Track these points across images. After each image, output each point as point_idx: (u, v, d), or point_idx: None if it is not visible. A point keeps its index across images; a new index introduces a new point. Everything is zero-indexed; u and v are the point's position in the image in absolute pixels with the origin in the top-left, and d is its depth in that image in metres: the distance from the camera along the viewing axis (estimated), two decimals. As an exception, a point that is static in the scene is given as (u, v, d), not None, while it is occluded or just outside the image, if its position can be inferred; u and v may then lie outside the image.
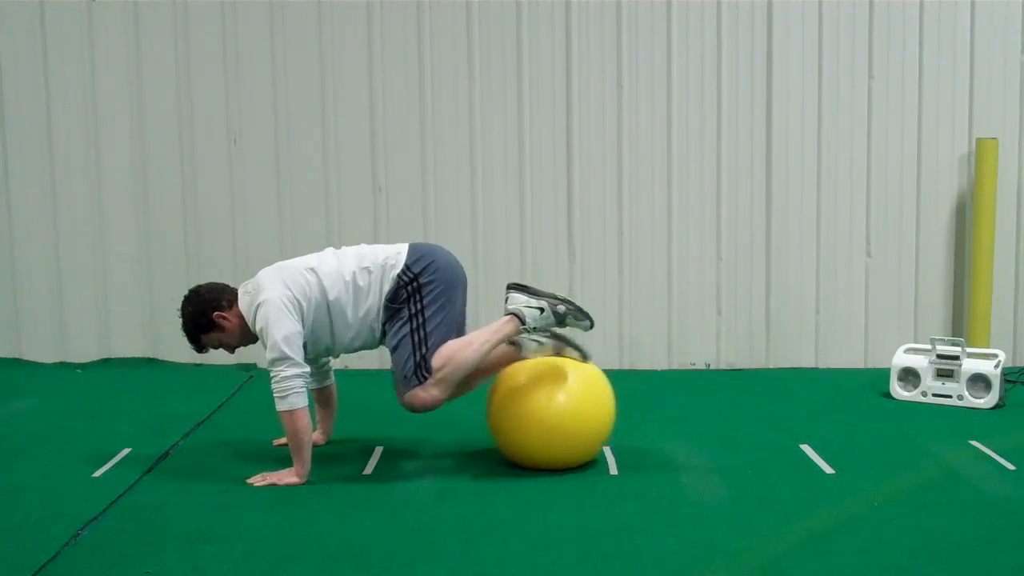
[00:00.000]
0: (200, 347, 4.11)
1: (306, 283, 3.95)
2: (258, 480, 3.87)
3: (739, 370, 5.74)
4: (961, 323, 5.65)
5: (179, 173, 5.73)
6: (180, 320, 4.07)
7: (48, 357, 5.86)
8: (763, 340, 5.75)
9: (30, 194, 5.77)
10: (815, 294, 5.72)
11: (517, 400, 3.94)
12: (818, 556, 3.18)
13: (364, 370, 5.62)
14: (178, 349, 5.32)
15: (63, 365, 5.83)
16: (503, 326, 3.96)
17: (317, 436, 4.30)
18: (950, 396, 4.91)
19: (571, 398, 3.93)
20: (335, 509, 3.62)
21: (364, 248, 4.12)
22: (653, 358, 5.72)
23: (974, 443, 4.30)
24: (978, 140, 5.51)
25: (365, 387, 5.23)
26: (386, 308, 4.01)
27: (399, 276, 3.99)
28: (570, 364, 4.02)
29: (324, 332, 4.01)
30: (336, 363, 4.42)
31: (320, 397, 4.37)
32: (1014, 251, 5.67)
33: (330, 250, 4.15)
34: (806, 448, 4.26)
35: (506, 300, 4.01)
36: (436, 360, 3.93)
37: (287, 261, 4.11)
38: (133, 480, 3.92)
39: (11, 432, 4.59)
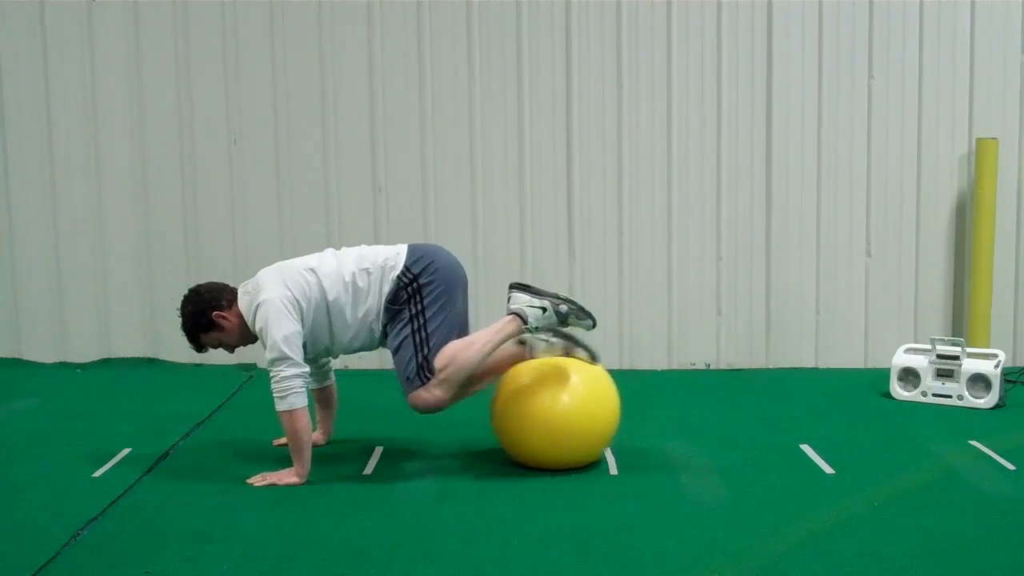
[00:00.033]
0: (200, 347, 4.11)
1: (306, 283, 3.95)
2: (258, 480, 3.87)
3: (739, 370, 5.74)
4: (961, 323, 5.65)
5: (179, 173, 5.73)
6: (180, 320, 4.07)
7: (48, 357, 5.86)
8: (763, 340, 5.75)
9: (30, 194, 5.77)
10: (815, 294, 5.72)
11: (522, 400, 3.94)
12: (818, 556, 3.19)
13: (364, 370, 5.62)
14: (178, 349, 5.32)
15: (63, 365, 5.83)
16: (505, 326, 3.97)
17: (317, 436, 4.30)
18: (950, 396, 4.91)
19: (576, 399, 3.93)
20: (335, 509, 3.62)
21: (364, 249, 4.12)
22: (653, 358, 5.73)
23: (974, 443, 4.30)
24: (978, 140, 5.51)
25: (365, 387, 5.24)
26: (387, 310, 4.01)
27: (399, 277, 3.99)
28: (576, 365, 4.02)
29: (323, 332, 4.01)
30: (336, 363, 4.42)
31: (320, 397, 4.38)
32: (1014, 251, 5.67)
33: (330, 251, 4.15)
34: (806, 448, 4.26)
35: (508, 300, 4.02)
36: (439, 361, 3.93)
37: (287, 261, 4.11)
38: (133, 480, 3.92)
39: (11, 432, 4.59)
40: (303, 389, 3.84)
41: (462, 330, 4.08)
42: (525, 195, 5.69)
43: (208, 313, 4.02)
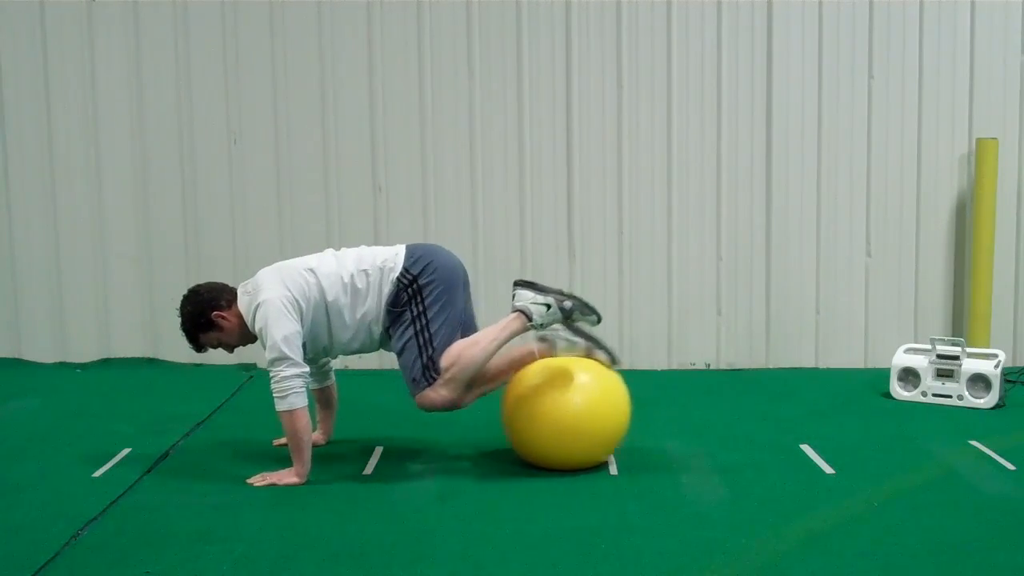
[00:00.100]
0: (199, 347, 4.11)
1: (305, 283, 3.95)
2: (258, 480, 3.87)
3: (739, 370, 5.74)
4: (961, 323, 5.66)
5: (179, 173, 5.74)
6: (179, 320, 4.07)
7: (48, 357, 5.86)
8: (763, 340, 5.75)
9: (30, 194, 5.77)
10: (815, 294, 5.73)
11: (532, 399, 3.93)
12: (818, 556, 3.18)
13: (364, 370, 5.62)
14: (178, 349, 5.32)
15: (63, 365, 5.83)
16: (510, 323, 3.97)
17: (317, 436, 4.30)
18: (950, 396, 4.91)
19: (587, 400, 3.93)
20: (335, 509, 3.62)
21: (363, 250, 4.12)
22: (653, 358, 5.72)
23: (974, 443, 4.30)
24: (978, 140, 5.51)
25: (365, 387, 5.24)
26: (388, 312, 4.01)
27: (398, 279, 3.99)
28: (587, 365, 4.01)
29: (322, 332, 4.01)
30: (336, 363, 4.42)
31: (320, 397, 4.38)
32: (1014, 251, 5.67)
33: (330, 251, 4.15)
34: (806, 448, 4.26)
35: (513, 297, 4.02)
36: (444, 360, 3.94)
37: (286, 261, 4.11)
38: (133, 480, 3.92)
39: (11, 432, 4.59)
40: (303, 389, 3.84)
41: (466, 327, 4.08)
42: (525, 195, 5.69)
43: (207, 313, 4.02)
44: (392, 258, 4.04)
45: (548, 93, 5.65)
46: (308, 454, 3.88)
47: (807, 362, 5.75)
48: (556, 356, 4.06)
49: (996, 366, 4.86)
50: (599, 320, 4.06)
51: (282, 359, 3.82)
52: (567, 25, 5.61)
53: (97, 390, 5.35)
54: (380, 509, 3.62)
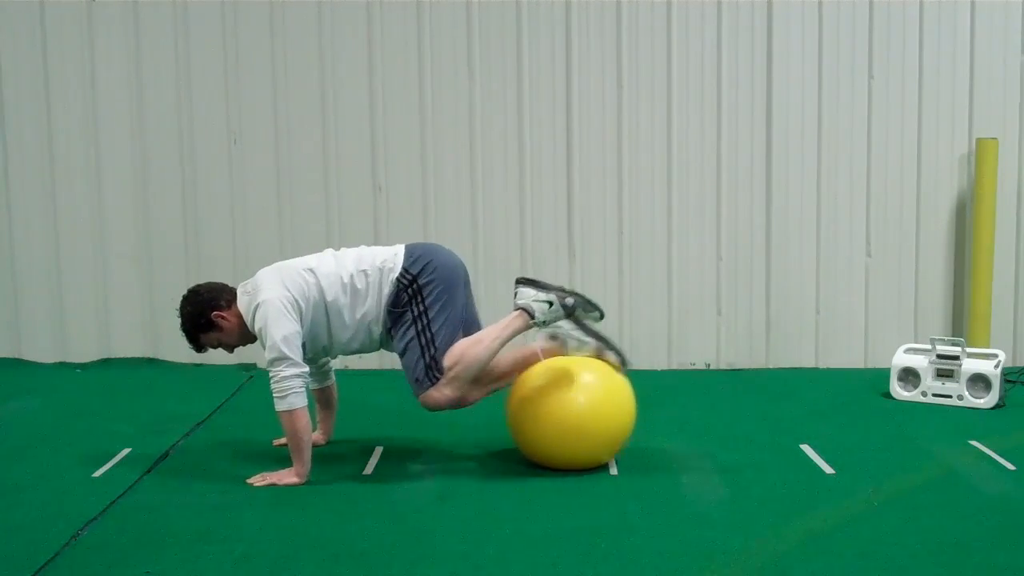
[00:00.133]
0: (199, 347, 4.11)
1: (304, 283, 3.95)
2: (258, 480, 3.87)
3: (739, 370, 5.74)
4: (961, 323, 5.66)
5: (179, 173, 5.74)
6: (179, 320, 4.07)
7: (48, 357, 5.86)
8: (763, 340, 5.75)
9: (30, 194, 5.77)
10: (815, 294, 5.73)
11: (538, 399, 3.93)
12: (818, 556, 3.19)
13: (364, 370, 5.62)
14: (178, 349, 5.32)
15: (63, 365, 5.83)
16: (512, 321, 3.98)
17: (317, 436, 4.30)
18: (950, 396, 4.91)
19: (593, 400, 3.93)
20: (335, 509, 3.62)
21: (363, 250, 4.12)
22: (653, 358, 5.72)
23: (974, 443, 4.30)
24: (978, 140, 5.51)
25: (365, 387, 5.24)
26: (389, 313, 4.01)
27: (398, 280, 3.99)
28: (595, 365, 4.01)
29: (322, 332, 4.01)
30: (336, 363, 4.42)
31: (320, 397, 4.38)
32: (1014, 251, 5.67)
33: (329, 251, 4.15)
34: (806, 448, 4.26)
35: (515, 295, 4.03)
36: (447, 359, 3.94)
37: (286, 261, 4.11)
38: (133, 480, 3.92)
39: (11, 432, 4.59)
40: (303, 389, 3.84)
41: (469, 325, 4.09)
42: (525, 195, 5.69)
43: (207, 313, 4.02)
44: (391, 258, 4.04)
45: (548, 93, 5.65)
46: (308, 454, 3.88)
47: (807, 362, 5.75)
48: (566, 355, 4.06)
49: (996, 366, 4.86)
50: (602, 316, 4.07)
51: (282, 359, 3.82)
52: (567, 25, 5.61)
53: (97, 390, 5.35)
54: (380, 509, 3.62)
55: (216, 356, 4.52)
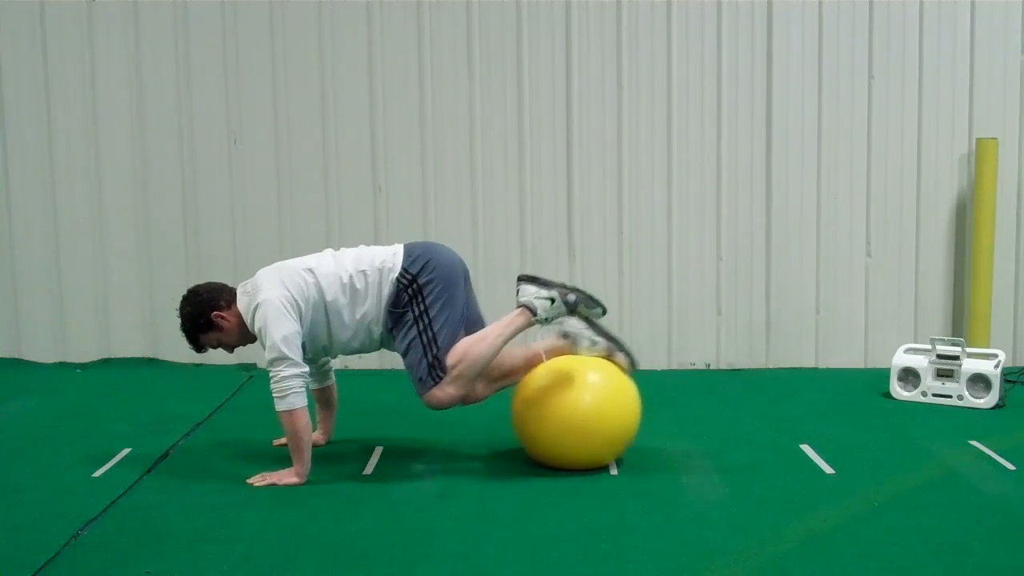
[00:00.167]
0: (199, 347, 4.11)
1: (304, 283, 3.95)
2: (258, 480, 3.87)
3: (739, 370, 5.74)
4: (961, 323, 5.66)
5: (179, 173, 5.74)
6: (179, 320, 4.07)
7: (48, 357, 5.86)
8: (763, 340, 5.75)
9: (30, 194, 5.77)
10: (815, 294, 5.73)
11: (544, 397, 3.93)
12: (818, 556, 3.18)
13: (364, 370, 5.62)
14: (178, 349, 5.32)
15: (63, 365, 5.83)
16: (515, 319, 3.98)
17: (317, 436, 4.30)
18: (950, 396, 4.91)
19: (598, 399, 3.93)
20: (335, 509, 3.62)
21: (362, 250, 4.12)
22: (653, 358, 5.72)
23: (974, 443, 4.30)
24: (978, 140, 5.51)
25: (365, 387, 5.24)
26: (390, 314, 4.01)
27: (398, 280, 3.99)
28: (601, 365, 4.02)
29: (321, 332, 4.01)
30: (336, 363, 4.42)
31: (320, 397, 4.38)
32: (1014, 251, 5.67)
33: (329, 251, 4.15)
34: (806, 448, 4.26)
35: (517, 292, 4.03)
36: (450, 358, 3.94)
37: (285, 261, 4.11)
38: (133, 480, 3.92)
39: (11, 432, 4.59)
40: (303, 389, 3.84)
41: (471, 322, 4.09)
42: (525, 195, 5.69)
43: (207, 313, 4.02)
44: (390, 258, 4.04)
45: (548, 93, 5.65)
46: (308, 454, 3.88)
47: (807, 362, 5.75)
48: (576, 354, 4.06)
49: (996, 366, 4.86)
50: (604, 312, 4.08)
51: (281, 359, 3.82)
52: (567, 25, 5.61)
53: (97, 390, 5.35)
54: (380, 509, 3.62)
55: (216, 356, 4.52)
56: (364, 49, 5.64)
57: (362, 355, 4.79)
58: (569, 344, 4.09)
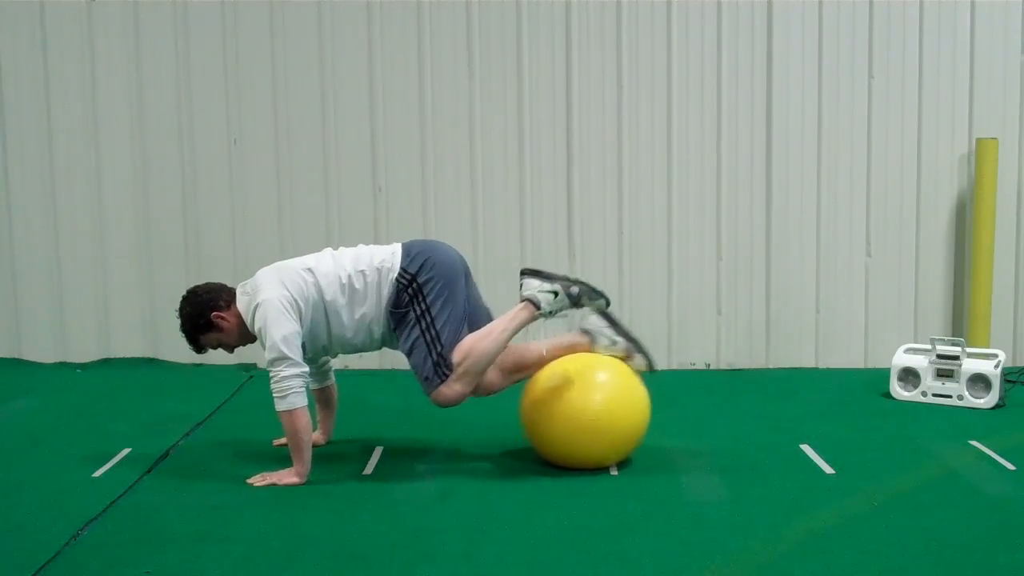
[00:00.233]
0: (199, 347, 4.11)
1: (303, 283, 3.95)
2: (258, 480, 3.87)
3: (739, 370, 5.74)
4: (961, 323, 5.65)
5: (179, 173, 5.73)
6: (179, 321, 4.07)
7: (48, 357, 5.86)
8: (763, 340, 5.75)
9: (30, 194, 5.77)
10: (815, 294, 5.72)
11: (554, 395, 3.93)
12: (818, 556, 3.18)
13: (364, 370, 5.62)
14: (178, 349, 5.31)
15: (63, 365, 5.83)
16: (519, 313, 3.99)
17: (317, 436, 4.30)
18: (950, 396, 4.91)
19: (609, 398, 3.94)
20: (335, 509, 3.62)
21: (361, 250, 4.12)
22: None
23: (974, 443, 4.30)
24: (978, 140, 5.51)
25: (365, 387, 5.24)
26: (391, 314, 4.01)
27: (397, 280, 3.99)
28: (612, 364, 4.02)
29: (321, 332, 4.01)
30: (336, 363, 4.41)
31: (320, 397, 4.37)
32: (1014, 251, 5.67)
33: (328, 251, 4.15)
34: (806, 448, 4.26)
35: (520, 286, 4.04)
36: (456, 355, 3.94)
37: (285, 261, 4.11)
38: (133, 480, 3.92)
39: (11, 432, 4.59)
40: (303, 389, 3.84)
41: (475, 316, 4.08)
42: (525, 195, 5.69)
43: (207, 314, 4.02)
44: (389, 258, 4.03)
45: (548, 93, 5.65)
46: (308, 454, 3.88)
47: (807, 362, 5.75)
48: (595, 352, 4.07)
49: (996, 366, 4.86)
50: (608, 304, 4.10)
51: (281, 359, 3.81)
52: (567, 25, 5.61)
53: (97, 390, 5.35)
54: (380, 509, 3.62)
55: (216, 356, 4.52)
56: (364, 49, 5.64)
57: (362, 355, 4.80)
58: (588, 342, 4.09)
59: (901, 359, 5.06)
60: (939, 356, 4.94)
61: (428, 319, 3.96)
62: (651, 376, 4.15)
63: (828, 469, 4.01)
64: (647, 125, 5.64)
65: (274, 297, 3.88)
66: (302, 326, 3.92)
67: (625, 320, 5.64)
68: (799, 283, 5.71)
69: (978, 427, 4.55)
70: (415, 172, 5.69)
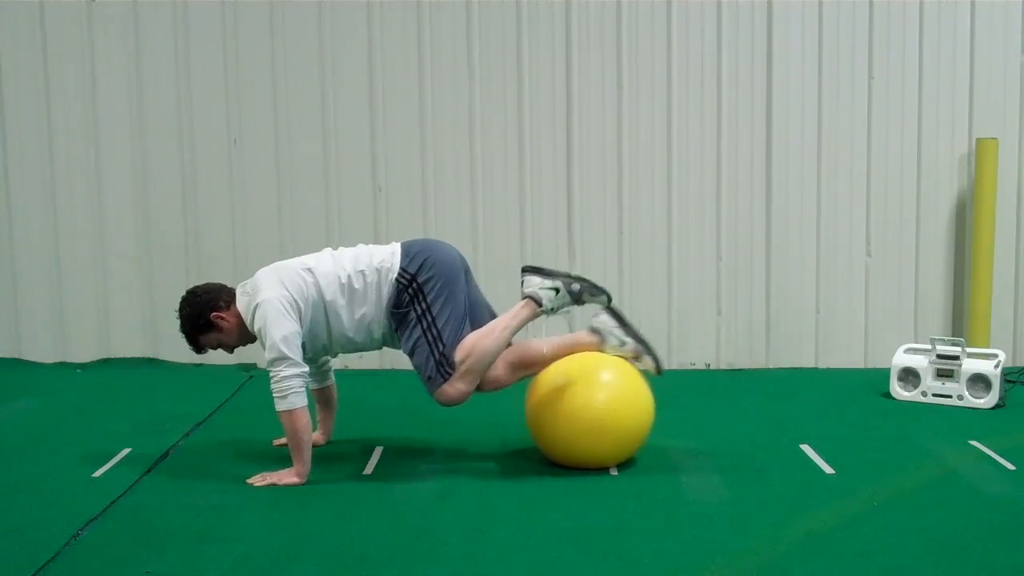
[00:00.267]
0: (199, 348, 4.11)
1: (303, 283, 3.95)
2: (258, 480, 3.87)
3: (739, 370, 5.74)
4: (961, 323, 5.65)
5: (179, 173, 5.74)
6: (178, 321, 4.07)
7: (48, 357, 5.86)
8: (763, 340, 5.75)
9: (30, 194, 5.77)
10: (815, 294, 5.72)
11: (559, 394, 3.93)
12: (818, 556, 3.18)
13: (364, 370, 5.62)
14: (178, 349, 5.30)
15: (63, 365, 5.83)
16: (520, 310, 4.00)
17: (317, 436, 4.29)
18: (950, 396, 4.91)
19: (614, 398, 3.94)
20: (335, 509, 3.62)
21: (361, 250, 4.12)
22: (653, 358, 5.72)
23: (974, 443, 4.30)
24: (978, 140, 5.51)
25: (365, 387, 5.24)
26: (392, 314, 4.01)
27: (397, 280, 3.99)
28: (618, 364, 4.02)
29: (321, 331, 4.01)
30: (336, 363, 4.42)
31: (320, 397, 4.37)
32: (1014, 251, 5.67)
33: (328, 251, 4.15)
34: (806, 448, 4.26)
35: (522, 283, 4.04)
36: (458, 353, 3.94)
37: (285, 261, 4.11)
38: (133, 480, 3.92)
39: (11, 432, 4.59)
40: (303, 389, 3.84)
41: (477, 314, 4.08)
42: (525, 195, 5.69)
43: (206, 314, 4.02)
44: (389, 258, 4.03)
45: (548, 93, 5.65)
46: (308, 454, 3.88)
47: (807, 362, 5.75)
48: (602, 351, 4.07)
49: (996, 366, 4.86)
50: (609, 300, 4.10)
51: (281, 359, 3.81)
52: (567, 25, 5.61)
53: (97, 390, 5.35)
54: (380, 509, 3.62)
55: (216, 356, 4.52)
56: (364, 49, 5.64)
57: (362, 355, 4.79)
58: (597, 341, 4.09)
59: (901, 359, 5.06)
60: (939, 356, 4.94)
61: (429, 318, 3.96)
62: (651, 376, 4.14)
63: (828, 469, 4.01)
64: (647, 125, 5.64)
65: (274, 297, 3.88)
66: (302, 326, 3.92)
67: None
68: (799, 283, 5.71)
69: (978, 427, 4.55)
70: (415, 172, 5.69)
